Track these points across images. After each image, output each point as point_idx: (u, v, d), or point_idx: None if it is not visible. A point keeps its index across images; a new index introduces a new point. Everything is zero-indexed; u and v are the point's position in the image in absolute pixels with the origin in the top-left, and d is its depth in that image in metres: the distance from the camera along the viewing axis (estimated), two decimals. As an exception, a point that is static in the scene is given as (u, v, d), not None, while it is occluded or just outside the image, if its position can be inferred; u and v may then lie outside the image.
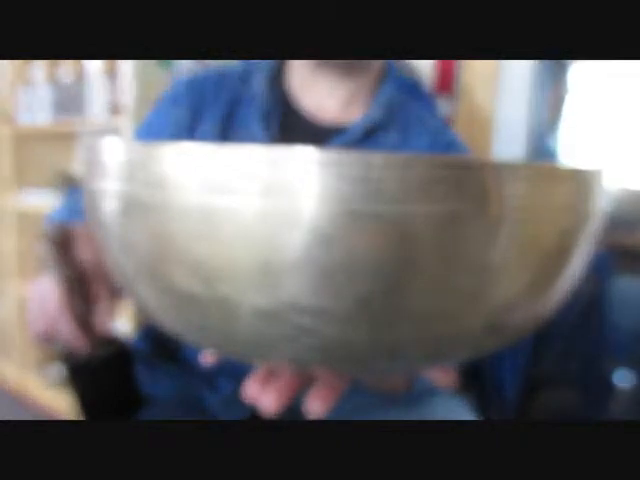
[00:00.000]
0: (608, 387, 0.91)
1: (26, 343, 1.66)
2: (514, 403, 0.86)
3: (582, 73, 0.99)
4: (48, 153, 1.67)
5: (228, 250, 0.19)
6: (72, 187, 0.63)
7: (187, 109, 0.59)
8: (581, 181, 0.21)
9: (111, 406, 0.60)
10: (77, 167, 1.60)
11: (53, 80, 1.48)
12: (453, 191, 0.18)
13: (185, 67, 1.21)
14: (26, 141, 1.64)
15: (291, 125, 0.60)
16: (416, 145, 0.61)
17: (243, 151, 0.18)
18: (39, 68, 1.53)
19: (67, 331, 0.39)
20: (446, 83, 1.00)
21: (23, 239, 1.66)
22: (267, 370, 0.25)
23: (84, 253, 0.39)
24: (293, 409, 0.27)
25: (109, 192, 0.22)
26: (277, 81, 0.61)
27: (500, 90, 0.98)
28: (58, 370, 1.55)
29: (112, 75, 1.29)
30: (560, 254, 0.21)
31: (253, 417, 0.57)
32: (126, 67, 1.20)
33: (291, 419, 0.30)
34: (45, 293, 0.40)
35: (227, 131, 0.58)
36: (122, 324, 1.08)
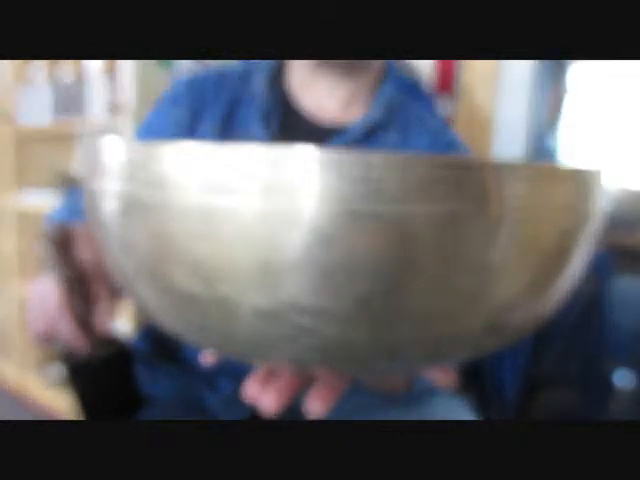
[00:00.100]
0: (608, 387, 0.91)
1: (26, 343, 1.66)
2: (514, 403, 0.86)
3: (581, 73, 0.99)
4: (48, 153, 1.68)
5: (228, 250, 0.19)
6: (72, 187, 0.63)
7: (187, 109, 0.59)
8: (581, 181, 0.21)
9: (111, 406, 0.60)
10: (77, 167, 1.60)
11: (53, 80, 1.48)
12: (453, 191, 0.18)
13: (185, 67, 1.21)
14: (26, 141, 1.64)
15: (291, 125, 0.60)
16: (416, 145, 0.61)
17: (243, 150, 0.18)
18: (39, 68, 1.53)
19: (67, 331, 0.39)
20: (446, 83, 1.00)
21: (23, 239, 1.66)
22: (267, 370, 0.25)
23: (84, 253, 0.39)
24: (293, 409, 0.27)
25: (109, 192, 0.22)
26: (277, 81, 0.61)
27: (500, 90, 0.98)
28: (58, 370, 1.55)
29: (112, 75, 1.29)
30: (560, 254, 0.21)
31: (253, 417, 0.57)
32: (126, 67, 1.20)
33: (291, 419, 0.30)
34: (45, 293, 0.40)
35: (227, 131, 0.58)
36: (122, 324, 1.08)
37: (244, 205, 0.18)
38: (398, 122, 0.61)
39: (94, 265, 0.39)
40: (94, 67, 1.34)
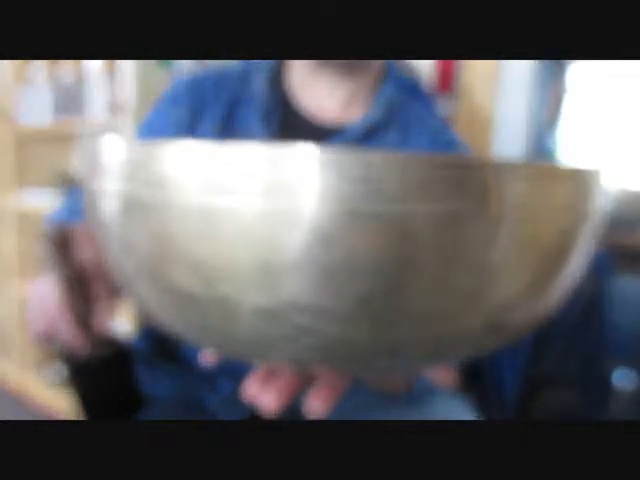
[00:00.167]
0: (608, 387, 0.91)
1: (26, 343, 1.66)
2: (514, 403, 0.86)
3: (581, 73, 0.99)
4: (48, 153, 1.68)
5: (228, 250, 0.19)
6: (72, 187, 0.63)
7: (187, 109, 0.59)
8: (581, 181, 0.21)
9: (111, 406, 0.61)
10: (77, 167, 1.60)
11: (53, 80, 1.48)
12: (453, 190, 0.18)
13: (185, 67, 1.21)
14: (26, 141, 1.64)
15: (291, 125, 0.60)
16: (416, 145, 0.61)
17: (243, 149, 0.18)
18: (39, 68, 1.53)
19: (67, 331, 0.39)
20: (446, 83, 1.00)
21: (23, 239, 1.66)
22: (267, 370, 0.25)
23: (84, 253, 0.39)
24: (293, 409, 0.27)
25: (109, 192, 0.22)
26: (277, 81, 0.61)
27: (500, 90, 0.98)
28: (58, 370, 1.55)
29: (112, 75, 1.29)
30: (560, 253, 0.21)
31: (253, 417, 0.57)
32: (126, 67, 1.20)
33: (291, 419, 0.30)
34: (45, 293, 0.40)
35: (227, 131, 0.58)
36: (122, 324, 1.08)
37: (244, 205, 0.18)
38: (398, 122, 0.61)
39: (94, 265, 0.39)
40: (94, 67, 1.34)
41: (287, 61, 0.63)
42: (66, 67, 1.46)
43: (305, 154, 0.17)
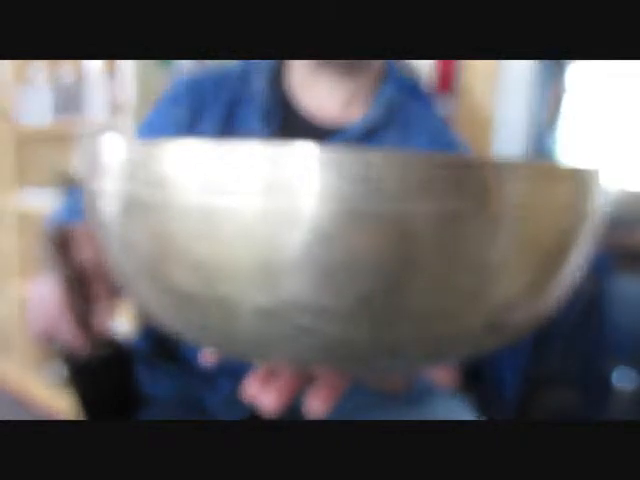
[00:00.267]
0: (608, 387, 0.91)
1: (26, 343, 1.66)
2: (514, 403, 0.86)
3: (580, 73, 0.99)
4: (48, 153, 1.68)
5: (228, 249, 0.19)
6: (72, 187, 0.63)
7: (187, 109, 0.59)
8: (580, 180, 0.21)
9: (111, 406, 0.61)
10: (77, 167, 1.60)
11: (53, 80, 1.48)
12: (453, 190, 0.18)
13: (185, 67, 1.21)
14: (26, 141, 1.64)
15: (291, 125, 0.60)
16: (416, 145, 0.61)
17: (243, 148, 0.18)
18: (39, 68, 1.53)
19: (67, 331, 0.39)
20: (446, 83, 1.00)
21: (24, 239, 1.66)
22: (267, 370, 0.25)
23: (84, 253, 0.39)
24: (293, 409, 0.27)
25: (109, 192, 0.22)
26: (277, 81, 0.61)
27: (500, 90, 0.98)
28: (58, 370, 1.55)
29: (112, 75, 1.29)
30: (560, 253, 0.21)
31: (253, 417, 0.57)
32: (126, 67, 1.20)
33: (291, 419, 0.29)
34: (45, 293, 0.40)
35: (227, 131, 0.58)
36: (122, 324, 1.08)
37: (244, 204, 0.18)
38: (398, 122, 0.61)
39: (94, 265, 0.39)
40: (94, 67, 1.34)
41: (287, 61, 0.63)
42: (66, 67, 1.46)
43: (305, 153, 0.17)
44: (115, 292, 0.40)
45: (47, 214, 0.60)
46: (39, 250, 0.39)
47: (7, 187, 1.67)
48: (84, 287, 0.39)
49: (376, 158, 0.17)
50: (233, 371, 0.56)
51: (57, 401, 1.51)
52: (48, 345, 0.43)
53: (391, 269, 0.18)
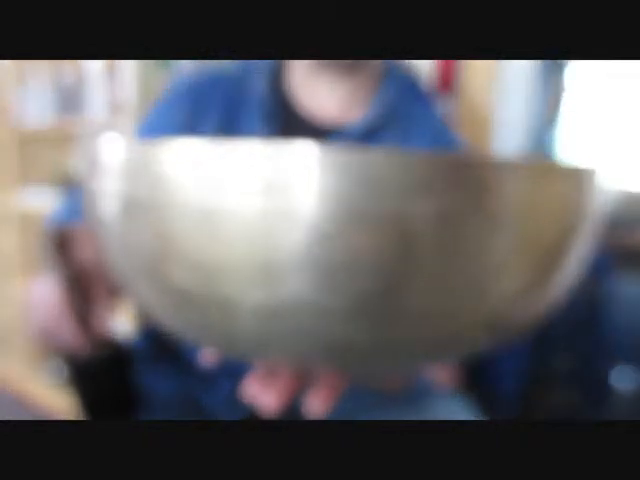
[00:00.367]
0: (608, 387, 0.91)
1: (27, 343, 1.66)
2: (515, 403, 0.86)
3: (580, 72, 0.99)
4: (48, 153, 1.68)
5: (228, 249, 0.19)
6: (72, 187, 0.63)
7: (187, 110, 0.59)
8: (580, 179, 0.21)
9: (111, 406, 0.60)
10: (77, 167, 1.60)
11: (53, 80, 1.48)
12: (453, 189, 0.18)
13: (185, 67, 1.21)
14: (27, 141, 1.64)
15: (291, 126, 0.60)
16: (416, 145, 0.61)
17: (243, 147, 0.18)
18: (39, 68, 1.53)
19: (67, 331, 0.39)
20: (446, 82, 1.00)
21: (25, 238, 1.66)
22: (267, 370, 0.25)
23: (84, 253, 0.39)
24: (293, 409, 0.27)
25: (109, 191, 0.22)
26: (277, 82, 0.61)
27: (500, 89, 0.98)
28: (58, 370, 1.55)
29: (112, 75, 1.29)
30: (560, 251, 0.21)
31: (253, 417, 0.57)
32: (126, 67, 1.20)
33: (291, 419, 0.29)
34: (45, 293, 0.40)
35: (227, 132, 0.58)
36: (122, 324, 1.08)
37: (244, 204, 0.18)
38: (398, 122, 0.61)
39: (94, 265, 0.39)
40: (94, 67, 1.34)
41: (287, 62, 0.63)
42: (66, 67, 1.46)
43: (305, 153, 0.17)
44: (115, 292, 0.40)
45: (48, 214, 0.60)
46: (39, 250, 0.39)
47: (8, 187, 1.67)
48: (84, 287, 0.39)
49: (376, 158, 0.17)
50: (233, 371, 0.56)
51: (57, 401, 1.51)
52: (48, 345, 0.43)
53: (391, 269, 0.18)
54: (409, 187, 0.17)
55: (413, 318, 0.19)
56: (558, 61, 0.98)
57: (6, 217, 1.68)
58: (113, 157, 0.21)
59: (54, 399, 1.53)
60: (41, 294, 0.41)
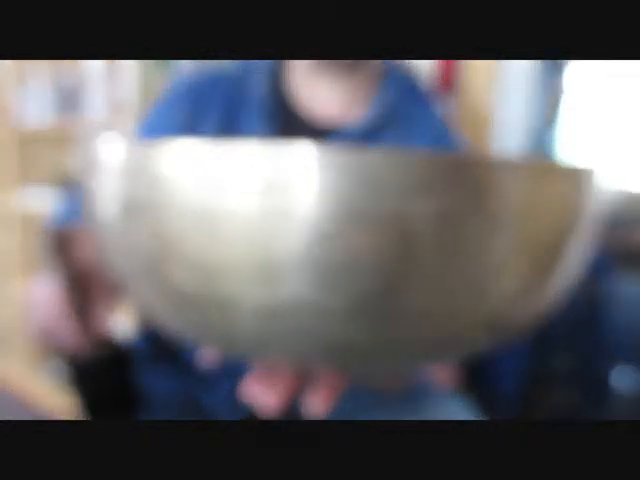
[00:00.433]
0: (608, 387, 0.91)
1: (27, 343, 1.66)
2: (515, 403, 0.86)
3: (580, 72, 0.99)
4: (48, 153, 1.68)
5: (228, 249, 0.19)
6: (72, 187, 0.63)
7: (186, 110, 0.59)
8: (579, 179, 0.21)
9: (111, 406, 0.60)
10: (77, 167, 1.60)
11: (53, 80, 1.49)
12: (453, 188, 0.18)
13: (185, 67, 1.21)
14: (27, 141, 1.64)
15: (291, 126, 0.60)
16: (416, 145, 0.61)
17: (242, 147, 0.18)
18: (39, 68, 1.54)
19: (67, 331, 0.39)
20: (446, 82, 1.00)
21: (26, 238, 1.66)
22: (267, 370, 0.25)
23: (84, 253, 0.39)
24: (293, 409, 0.27)
25: (108, 192, 0.22)
26: (277, 82, 0.61)
27: (500, 89, 0.98)
28: (58, 370, 1.55)
29: (112, 75, 1.29)
30: (559, 251, 0.21)
31: (253, 417, 0.57)
32: (126, 67, 1.20)
33: (291, 419, 0.29)
34: (45, 293, 0.40)
35: (227, 133, 0.59)
36: (122, 324, 1.08)
37: (243, 204, 0.18)
38: (398, 122, 0.61)
39: (94, 265, 0.39)
40: (94, 67, 1.34)
41: (287, 62, 0.63)
42: (66, 67, 1.46)
43: (304, 153, 0.17)
44: (115, 292, 0.40)
45: (48, 214, 0.60)
46: (39, 250, 0.39)
47: (8, 187, 1.67)
48: (84, 287, 0.39)
49: (376, 158, 0.17)
50: (233, 371, 0.56)
51: (57, 401, 1.51)
52: (48, 345, 0.43)
53: (391, 269, 0.18)
54: (409, 187, 0.17)
55: (413, 318, 0.19)
56: (558, 61, 0.98)
57: (6, 217, 1.68)
58: (112, 157, 0.21)
59: (54, 399, 1.53)
60: (41, 294, 0.41)
